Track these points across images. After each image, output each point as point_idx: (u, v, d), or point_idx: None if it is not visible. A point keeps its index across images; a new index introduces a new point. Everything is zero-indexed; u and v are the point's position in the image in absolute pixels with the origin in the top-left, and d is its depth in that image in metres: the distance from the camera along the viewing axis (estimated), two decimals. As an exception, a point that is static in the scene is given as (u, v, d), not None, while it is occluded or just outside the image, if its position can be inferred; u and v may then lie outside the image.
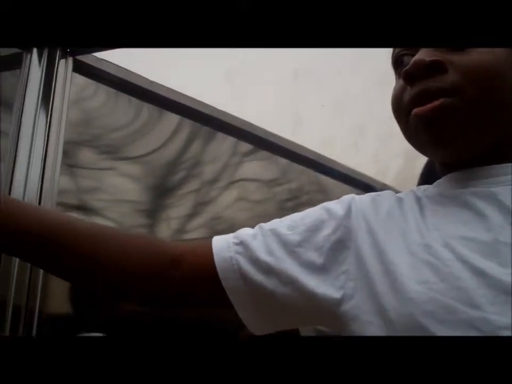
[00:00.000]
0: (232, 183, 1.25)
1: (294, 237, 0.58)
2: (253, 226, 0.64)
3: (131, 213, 1.14)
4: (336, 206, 0.60)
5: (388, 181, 1.57)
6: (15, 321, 0.83)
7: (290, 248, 0.57)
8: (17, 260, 0.86)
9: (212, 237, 0.63)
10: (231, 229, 1.24)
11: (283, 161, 1.30)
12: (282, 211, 1.25)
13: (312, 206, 0.62)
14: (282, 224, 0.60)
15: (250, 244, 0.59)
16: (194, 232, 1.19)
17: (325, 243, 0.57)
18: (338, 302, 0.54)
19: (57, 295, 0.92)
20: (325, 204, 0.61)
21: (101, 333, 0.93)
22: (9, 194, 0.86)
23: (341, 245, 0.56)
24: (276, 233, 0.59)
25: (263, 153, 1.29)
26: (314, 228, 0.58)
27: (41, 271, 0.87)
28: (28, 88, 0.90)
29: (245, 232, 0.61)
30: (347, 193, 0.64)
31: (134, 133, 1.14)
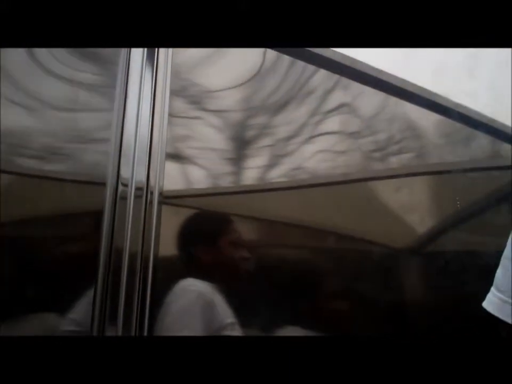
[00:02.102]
0: (312, 137, 1.24)
1: None
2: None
3: (219, 161, 1.15)
4: None
5: (503, 110, 1.48)
6: (132, 268, 0.87)
7: None
8: (131, 212, 0.88)
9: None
10: (313, 178, 1.25)
11: (367, 114, 1.28)
12: (369, 161, 1.24)
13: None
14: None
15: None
16: (276, 180, 1.20)
17: None
18: None
19: (170, 242, 0.95)
20: None
21: (205, 279, 0.97)
22: (121, 145, 0.87)
23: None
24: None
25: (345, 108, 1.26)
26: None
27: (154, 220, 0.90)
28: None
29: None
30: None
31: (215, 87, 1.13)
